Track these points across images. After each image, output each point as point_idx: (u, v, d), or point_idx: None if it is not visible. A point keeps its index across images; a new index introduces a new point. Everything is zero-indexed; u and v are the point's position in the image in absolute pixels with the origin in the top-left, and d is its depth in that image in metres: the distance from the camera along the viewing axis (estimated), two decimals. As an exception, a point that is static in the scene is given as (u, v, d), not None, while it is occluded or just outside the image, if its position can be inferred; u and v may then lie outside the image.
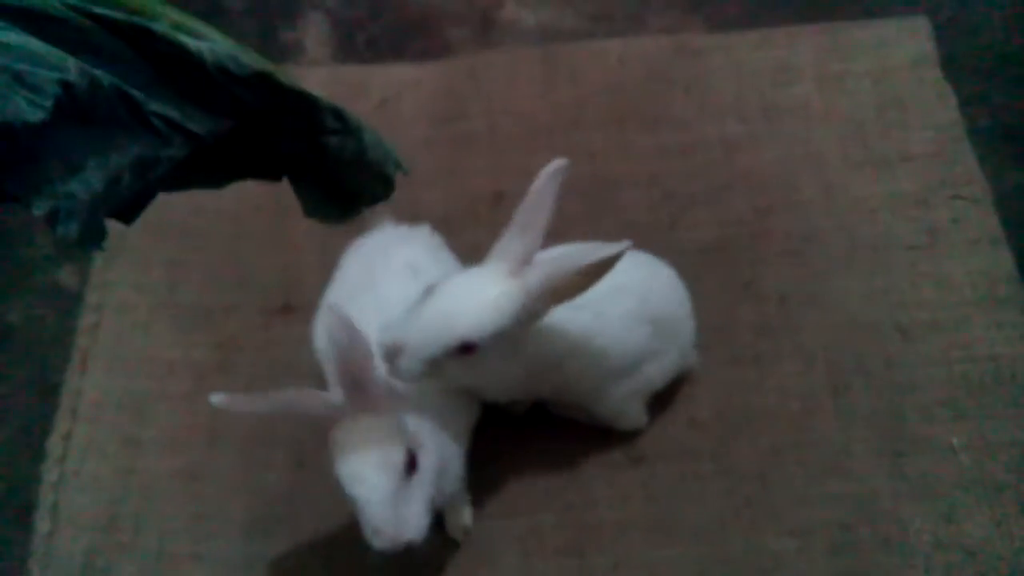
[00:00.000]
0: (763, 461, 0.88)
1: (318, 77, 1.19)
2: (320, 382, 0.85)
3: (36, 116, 0.38)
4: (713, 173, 1.06)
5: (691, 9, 1.22)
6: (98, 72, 0.41)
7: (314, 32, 1.25)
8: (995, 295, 0.95)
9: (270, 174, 0.52)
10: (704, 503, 0.87)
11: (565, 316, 0.77)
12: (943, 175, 1.02)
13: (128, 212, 0.45)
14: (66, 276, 1.06)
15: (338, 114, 0.50)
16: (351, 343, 0.68)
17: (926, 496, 0.85)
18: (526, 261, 0.73)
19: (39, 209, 0.40)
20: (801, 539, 0.84)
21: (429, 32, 1.24)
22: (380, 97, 1.16)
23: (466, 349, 0.72)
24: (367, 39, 1.24)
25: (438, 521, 0.86)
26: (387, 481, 0.69)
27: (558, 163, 0.74)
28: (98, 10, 0.41)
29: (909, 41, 1.13)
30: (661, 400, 0.92)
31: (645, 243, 0.95)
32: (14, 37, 0.39)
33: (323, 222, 0.54)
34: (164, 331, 0.99)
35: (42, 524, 0.88)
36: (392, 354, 0.71)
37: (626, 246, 0.72)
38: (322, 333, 0.82)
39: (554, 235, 1.00)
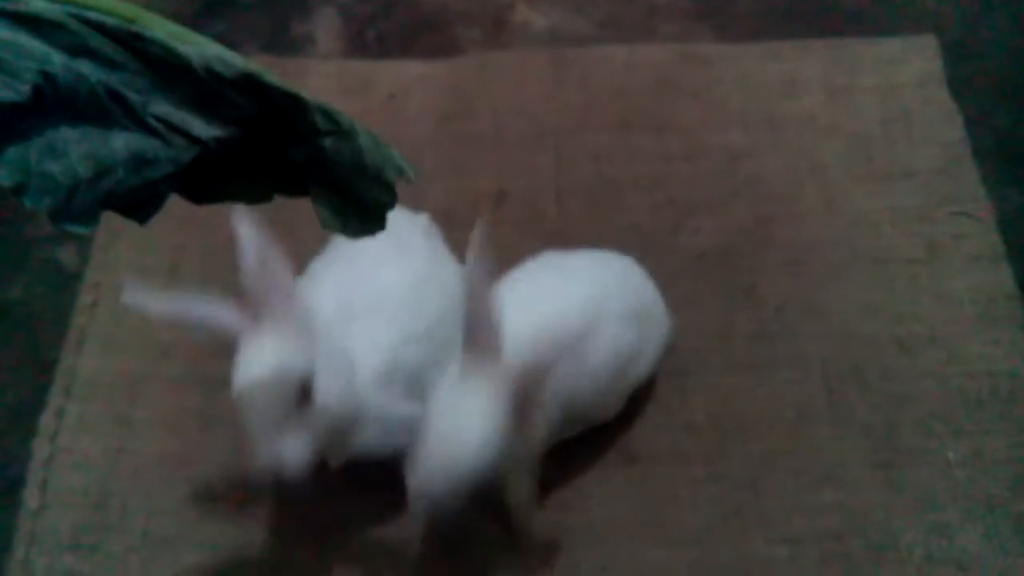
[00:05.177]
0: (756, 468, 0.88)
1: (328, 71, 1.19)
2: None
3: (9, 98, 0.40)
4: (717, 180, 1.06)
5: (700, 18, 1.23)
6: (85, 70, 0.42)
7: (325, 26, 1.26)
8: (994, 312, 0.95)
9: (290, 185, 0.52)
10: (695, 507, 0.86)
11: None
12: (946, 191, 1.03)
13: (138, 210, 0.47)
14: (66, 255, 1.05)
15: (328, 114, 0.50)
16: (259, 253, 0.69)
17: (919, 509, 0.84)
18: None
19: (6, 180, 0.42)
20: (792, 547, 0.84)
21: (439, 31, 1.24)
22: (388, 92, 1.16)
23: None
24: (377, 35, 1.25)
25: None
26: (273, 407, 0.67)
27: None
28: (91, 15, 0.43)
29: (916, 59, 1.13)
30: (657, 402, 0.91)
31: (646, 247, 0.96)
32: (2, 32, 0.41)
33: (342, 234, 0.53)
34: (161, 313, 0.99)
35: (31, 500, 0.88)
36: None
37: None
38: None
39: (556, 235, 1.02)
